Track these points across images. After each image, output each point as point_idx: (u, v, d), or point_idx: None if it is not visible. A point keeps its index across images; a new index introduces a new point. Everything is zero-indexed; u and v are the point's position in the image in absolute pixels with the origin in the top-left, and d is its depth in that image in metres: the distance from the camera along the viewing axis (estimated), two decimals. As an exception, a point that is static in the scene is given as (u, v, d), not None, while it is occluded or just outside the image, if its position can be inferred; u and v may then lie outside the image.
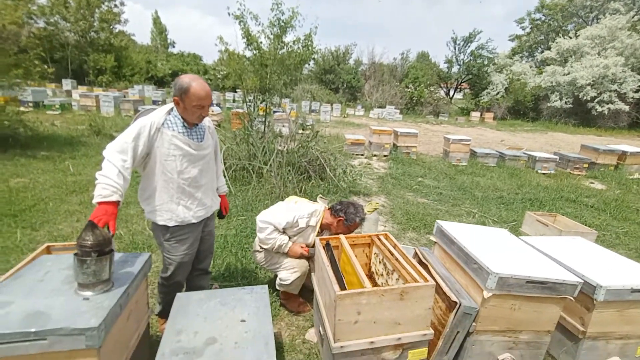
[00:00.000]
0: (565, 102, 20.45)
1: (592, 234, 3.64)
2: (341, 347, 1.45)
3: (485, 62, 27.46)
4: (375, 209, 3.42)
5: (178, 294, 1.80)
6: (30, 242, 3.03)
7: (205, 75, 32.75)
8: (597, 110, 19.41)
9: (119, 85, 24.52)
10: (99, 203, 1.51)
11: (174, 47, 39.50)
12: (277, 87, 5.15)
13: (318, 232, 2.25)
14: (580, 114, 20.48)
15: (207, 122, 1.97)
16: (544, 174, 7.42)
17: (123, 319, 1.45)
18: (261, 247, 2.26)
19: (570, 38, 21.83)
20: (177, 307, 1.70)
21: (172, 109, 1.80)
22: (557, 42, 22.20)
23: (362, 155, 7.88)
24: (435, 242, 2.13)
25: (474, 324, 1.67)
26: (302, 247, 2.21)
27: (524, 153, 8.15)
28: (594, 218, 4.67)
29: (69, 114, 10.84)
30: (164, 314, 2.08)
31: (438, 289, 1.73)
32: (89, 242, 1.27)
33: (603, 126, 19.62)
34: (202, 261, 2.16)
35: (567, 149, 11.57)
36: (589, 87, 19.48)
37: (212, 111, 10.62)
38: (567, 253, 1.91)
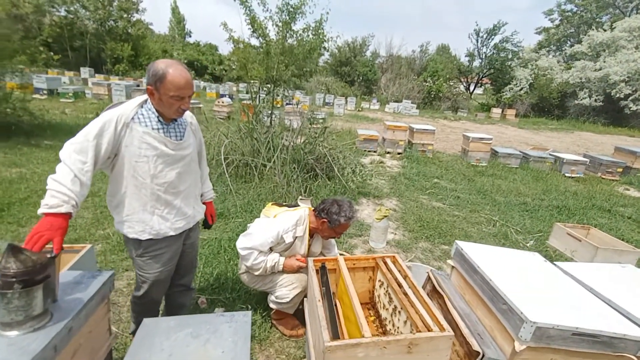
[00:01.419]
0: (595, 100, 19.27)
1: (635, 252, 3.20)
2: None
3: (510, 56, 26.20)
4: (385, 215, 3.08)
5: (145, 320, 1.53)
6: (14, 239, 2.85)
7: (220, 65, 32.69)
8: (631, 109, 18.21)
9: (135, 74, 24.67)
10: (45, 214, 1.24)
11: (190, 36, 39.57)
12: (284, 78, 4.82)
13: (309, 239, 2.00)
14: (611, 113, 19.27)
15: (189, 117, 1.68)
16: (571, 177, 6.86)
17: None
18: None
19: (605, 30, 20.45)
20: (141, 336, 1.43)
21: (145, 101, 1.51)
22: (589, 35, 20.87)
23: (374, 152, 7.49)
24: (453, 267, 1.79)
25: (500, 379, 1.34)
26: (297, 259, 1.95)
27: (550, 154, 7.58)
28: (632, 232, 4.18)
29: (81, 102, 10.85)
30: (134, 332, 1.84)
31: (455, 329, 1.40)
32: (11, 271, 1.00)
33: (637, 126, 18.41)
34: (182, 277, 1.89)
35: (596, 150, 10.81)
36: (622, 84, 18.25)
37: (222, 102, 10.39)
38: (620, 290, 1.54)
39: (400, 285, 1.43)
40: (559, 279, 1.53)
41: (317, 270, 1.56)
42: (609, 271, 1.77)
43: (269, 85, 5.04)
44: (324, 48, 4.72)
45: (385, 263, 1.62)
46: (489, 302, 1.44)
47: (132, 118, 1.44)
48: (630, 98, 18.26)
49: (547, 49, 25.74)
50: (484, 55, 28.67)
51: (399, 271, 1.54)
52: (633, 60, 18.16)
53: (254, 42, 4.84)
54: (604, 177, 6.98)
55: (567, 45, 25.15)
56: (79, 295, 1.29)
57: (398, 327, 1.40)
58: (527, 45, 26.21)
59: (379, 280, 1.63)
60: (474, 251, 1.67)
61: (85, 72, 19.65)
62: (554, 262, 1.78)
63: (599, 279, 1.61)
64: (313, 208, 2.06)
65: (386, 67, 27.44)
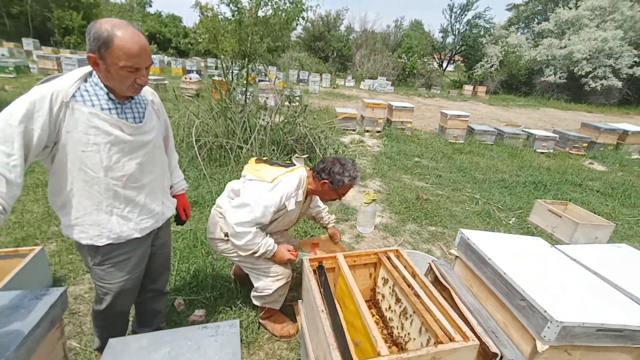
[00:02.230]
0: (560, 77, 20.02)
1: (610, 226, 3.30)
2: None
3: (482, 33, 26.42)
4: (374, 199, 2.93)
5: (111, 341, 1.28)
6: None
7: (185, 38, 30.54)
8: (590, 86, 19.11)
9: (89, 47, 22.41)
10: None
11: (150, 6, 36.39)
12: (259, 52, 4.42)
13: (303, 202, 1.81)
14: (573, 90, 20.16)
15: (150, 94, 1.38)
16: (542, 153, 7.08)
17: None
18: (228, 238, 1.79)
19: (570, 9, 20.98)
20: (107, 360, 1.20)
21: (90, 73, 1.19)
22: (556, 13, 21.34)
23: (353, 130, 7.30)
24: (456, 257, 1.67)
25: (516, 379, 1.25)
26: (289, 250, 1.77)
27: (523, 131, 7.75)
28: (602, 205, 4.35)
29: (25, 78, 9.67)
30: (101, 350, 1.59)
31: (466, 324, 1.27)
32: None
33: (594, 102, 19.44)
34: (154, 281, 1.65)
35: (561, 126, 11.28)
36: (584, 62, 19.01)
37: (190, 78, 9.65)
38: (629, 275, 1.48)
39: (410, 286, 1.27)
40: (570, 268, 1.45)
41: (314, 271, 1.37)
42: (609, 253, 1.72)
43: (242, 60, 4.62)
44: (303, 18, 4.34)
45: (389, 258, 1.46)
46: (502, 297, 1.33)
47: (73, 95, 1.13)
48: (590, 75, 19.10)
49: (517, 25, 26.15)
50: (457, 32, 28.75)
51: (405, 267, 1.39)
52: (594, 38, 18.86)
53: (224, 9, 4.36)
54: (571, 152, 7.25)
55: (535, 22, 25.67)
56: (17, 326, 1.01)
57: (409, 334, 1.26)
58: (498, 22, 26.51)
59: (383, 278, 1.48)
60: (482, 241, 1.54)
61: (28, 43, 17.50)
62: (556, 246, 1.71)
63: (605, 264, 1.54)
64: (310, 168, 1.83)
65: (360, 42, 26.84)
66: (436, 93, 20.33)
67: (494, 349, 1.19)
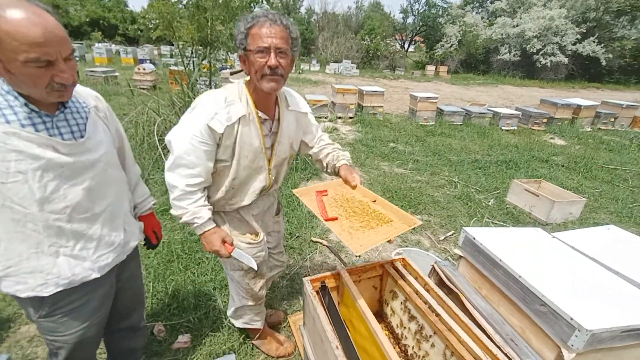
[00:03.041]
0: (514, 55, 20.91)
1: (581, 201, 3.44)
2: None
3: (440, 13, 26.82)
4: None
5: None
6: None
7: (133, 25, 28.16)
8: (541, 63, 20.18)
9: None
10: None
11: (89, -11, 32.95)
12: (221, 39, 4.05)
13: (259, 122, 1.24)
14: (526, 67, 21.20)
15: (92, 98, 1.09)
16: (507, 130, 7.33)
17: None
18: None
19: (520, -13, 21.77)
20: None
21: None
22: (507, -9, 22.06)
23: (325, 118, 7.11)
24: (460, 257, 1.58)
25: (539, 386, 1.19)
26: (224, 240, 1.28)
27: (488, 109, 7.98)
28: (569, 180, 4.57)
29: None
30: None
31: (480, 332, 1.19)
32: None
33: (545, 78, 20.61)
34: (125, 319, 1.41)
35: (519, 102, 11.83)
36: (535, 40, 19.96)
37: (144, 69, 8.88)
38: (629, 261, 1.48)
39: (425, 302, 1.16)
40: (578, 262, 1.41)
41: (316, 292, 1.21)
42: (604, 238, 1.72)
43: (202, 48, 4.22)
44: (267, 0, 3.99)
45: (396, 269, 1.33)
46: (518, 301, 1.26)
47: None
48: (541, 52, 20.15)
49: (472, 5, 26.81)
50: (416, 12, 28.97)
51: (417, 279, 1.27)
52: (542, 17, 19.80)
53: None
54: (533, 128, 7.59)
55: (489, 1, 26.44)
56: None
57: (428, 354, 1.15)
58: (454, 2, 27.01)
59: (391, 291, 1.36)
60: (489, 240, 1.46)
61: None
62: (554, 236, 1.68)
63: (607, 253, 1.53)
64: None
65: (322, 25, 26.25)
66: (400, 74, 20.50)
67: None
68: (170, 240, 2.64)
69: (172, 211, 1.26)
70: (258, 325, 1.69)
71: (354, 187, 1.37)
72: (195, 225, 1.24)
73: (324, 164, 1.52)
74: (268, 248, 1.65)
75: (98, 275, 1.09)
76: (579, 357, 1.11)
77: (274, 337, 1.78)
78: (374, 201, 1.43)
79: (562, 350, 1.09)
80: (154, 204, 1.39)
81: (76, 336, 1.11)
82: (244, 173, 1.28)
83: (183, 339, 1.86)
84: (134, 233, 1.24)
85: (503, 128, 7.38)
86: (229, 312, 1.71)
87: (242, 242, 1.43)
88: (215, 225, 1.29)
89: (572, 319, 1.05)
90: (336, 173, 1.46)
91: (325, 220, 1.26)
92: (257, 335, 1.75)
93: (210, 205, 1.30)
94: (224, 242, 1.27)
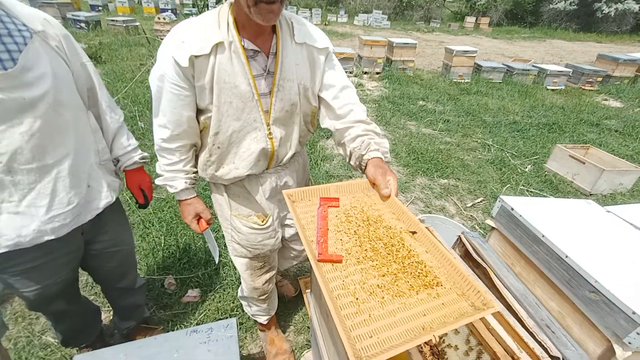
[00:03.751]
0: (570, 3, 18.38)
1: (636, 171, 3.03)
2: None
3: (487, -48, 23.56)
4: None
5: (76, 358, 1.04)
6: None
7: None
8: (603, 12, 17.64)
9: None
10: None
11: None
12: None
13: (244, 53, 0.92)
14: (583, 17, 18.68)
15: (39, 22, 0.88)
16: (553, 90, 6.58)
17: None
18: None
19: None
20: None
21: None
22: None
23: (350, 73, 6.65)
24: (493, 228, 1.38)
25: (575, 380, 1.04)
26: (198, 215, 1.13)
27: (533, 66, 7.14)
28: (622, 147, 4.05)
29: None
30: (71, 342, 1.36)
31: (511, 317, 1.03)
32: None
33: (605, 30, 18.16)
34: (120, 280, 1.35)
35: (570, 59, 10.56)
36: (599, -16, 17.32)
37: (164, 18, 8.53)
38: None
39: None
40: (637, 241, 1.17)
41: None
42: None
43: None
44: None
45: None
46: (561, 284, 1.07)
47: None
48: (604, 0, 17.56)
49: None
50: (459, -48, 25.62)
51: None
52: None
53: None
54: (583, 87, 6.76)
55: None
56: None
57: (449, 342, 1.01)
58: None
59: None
60: (531, 212, 1.24)
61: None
62: (609, 210, 1.43)
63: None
64: None
65: (352, -31, 23.96)
66: (436, 27, 18.75)
67: (554, 351, 0.95)
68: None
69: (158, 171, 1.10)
70: (261, 320, 1.52)
71: (385, 199, 0.92)
72: (171, 191, 1.09)
73: (348, 151, 1.05)
74: (285, 236, 1.37)
75: (53, 237, 0.97)
76: (634, 355, 0.93)
77: (276, 343, 1.56)
78: (414, 233, 0.83)
79: (615, 345, 0.91)
80: (141, 158, 1.22)
81: (35, 294, 1.05)
82: (229, 127, 0.97)
83: (193, 293, 1.85)
84: (102, 191, 1.09)
85: (549, 87, 6.62)
86: (238, 293, 1.54)
87: (244, 227, 1.18)
88: (193, 196, 1.11)
89: (634, 312, 0.86)
90: (362, 169, 1.01)
91: (319, 260, 0.73)
92: (262, 330, 1.60)
93: (196, 172, 1.11)
94: (198, 217, 1.10)
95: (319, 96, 1.09)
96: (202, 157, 1.07)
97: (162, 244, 2.10)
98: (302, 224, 0.82)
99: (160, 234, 2.17)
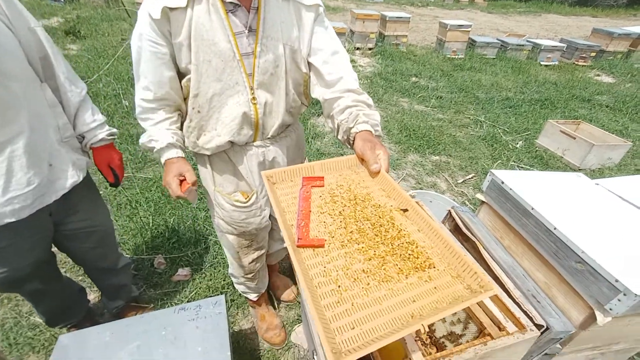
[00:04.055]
0: (567, -24, 17.94)
1: (624, 145, 3.06)
2: None
3: None
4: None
5: (60, 339, 1.02)
6: None
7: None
8: (599, -15, 17.30)
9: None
10: None
11: None
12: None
13: (224, 8, 0.86)
14: (579, -9, 18.31)
15: None
16: (546, 65, 6.51)
17: None
18: None
19: None
20: (59, 366, 0.95)
21: None
22: None
23: (342, 48, 6.45)
24: (482, 202, 1.38)
25: (558, 346, 1.07)
26: (181, 174, 0.95)
27: (527, 41, 7.03)
28: (612, 122, 4.07)
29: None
30: (57, 322, 1.35)
31: (498, 288, 1.04)
32: None
33: (600, 5, 17.90)
34: (100, 261, 1.32)
35: (565, 34, 10.41)
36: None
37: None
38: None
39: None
40: (627, 215, 1.18)
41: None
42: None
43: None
44: None
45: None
46: (548, 256, 1.07)
47: None
48: (601, -28, 17.17)
49: None
50: None
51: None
52: None
53: None
54: (577, 63, 6.70)
55: None
56: None
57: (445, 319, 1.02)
58: None
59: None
60: (520, 185, 1.23)
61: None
62: (598, 183, 1.43)
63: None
64: None
65: (344, -62, 22.83)
66: (430, 1, 18.20)
67: (539, 320, 0.97)
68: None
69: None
70: (252, 297, 1.50)
71: (374, 175, 0.87)
72: (154, 150, 0.96)
73: (335, 124, 0.98)
74: (273, 215, 1.26)
75: (14, 219, 0.92)
76: (614, 320, 0.95)
77: (266, 318, 1.55)
78: (405, 210, 0.78)
79: (597, 312, 0.93)
80: (109, 134, 1.15)
81: (4, 276, 1.02)
82: (209, 89, 0.91)
83: (183, 272, 1.84)
84: (67, 170, 1.03)
85: (542, 63, 6.55)
86: (228, 270, 1.49)
87: (227, 204, 1.12)
88: (180, 155, 0.97)
89: (617, 280, 0.87)
90: (351, 144, 0.94)
91: (298, 245, 0.68)
92: (253, 306, 1.60)
93: (180, 137, 1.02)
94: (181, 177, 0.93)
95: (308, 62, 1.02)
96: (185, 124, 1.01)
97: (151, 224, 2.06)
98: (281, 208, 0.77)
99: (148, 214, 2.14)
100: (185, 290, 1.74)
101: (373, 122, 0.96)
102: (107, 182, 1.22)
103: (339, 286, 0.61)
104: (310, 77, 1.06)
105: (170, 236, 2.02)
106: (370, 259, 0.66)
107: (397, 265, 0.65)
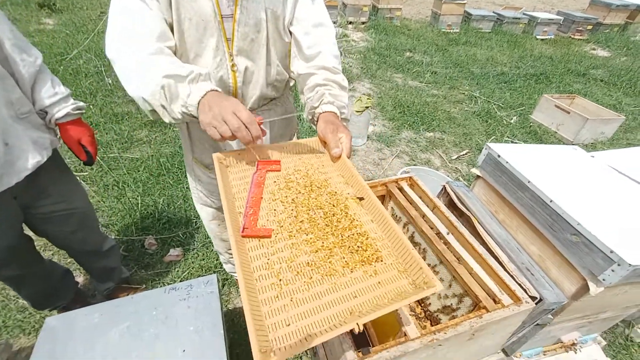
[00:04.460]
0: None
1: (618, 119, 3.05)
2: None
3: None
4: (367, 107, 2.48)
5: (47, 321, 1.00)
6: None
7: None
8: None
9: None
10: None
11: None
12: None
13: None
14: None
15: None
16: (542, 39, 6.40)
17: None
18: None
19: None
20: (45, 349, 0.93)
21: None
22: None
23: (334, 23, 6.22)
24: (477, 177, 1.35)
25: (550, 316, 1.08)
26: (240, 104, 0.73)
27: (524, 14, 6.85)
28: (606, 96, 4.05)
29: None
30: (44, 305, 1.33)
31: (494, 261, 1.04)
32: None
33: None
34: (82, 244, 1.28)
35: (561, 7, 10.19)
36: None
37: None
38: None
39: (433, 227, 0.97)
40: (622, 187, 1.16)
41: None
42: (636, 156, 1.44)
43: None
44: None
45: (401, 190, 1.12)
46: (543, 229, 1.06)
47: None
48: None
49: None
50: None
51: (424, 200, 1.07)
52: None
53: None
54: (573, 36, 6.59)
55: None
56: None
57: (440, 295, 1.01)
58: None
59: (394, 216, 1.17)
60: (517, 158, 1.20)
61: None
62: (593, 155, 1.41)
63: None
64: None
65: None
66: (426, -28, 17.55)
67: (532, 292, 0.97)
68: (159, 154, 2.46)
69: (140, 97, 0.75)
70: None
71: (335, 160, 0.84)
72: (190, 77, 0.74)
73: (304, 102, 0.95)
74: None
75: None
76: (605, 290, 0.96)
77: None
78: (361, 199, 0.75)
79: (590, 283, 0.93)
80: (76, 108, 1.05)
81: None
82: (192, 48, 0.84)
83: (175, 253, 1.81)
84: (26, 149, 0.94)
85: (538, 37, 6.42)
86: (214, 246, 1.52)
87: (203, 175, 1.09)
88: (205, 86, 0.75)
89: (612, 251, 0.86)
90: (315, 125, 0.90)
91: (243, 235, 0.64)
92: None
93: None
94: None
95: (290, 31, 0.95)
96: None
97: (139, 205, 2.01)
98: (231, 193, 0.71)
99: (136, 195, 2.08)
100: (177, 271, 1.72)
101: (339, 103, 0.90)
102: (80, 160, 1.13)
103: (280, 280, 0.58)
104: (292, 48, 0.98)
105: (160, 217, 1.98)
106: (317, 251, 0.63)
107: (344, 258, 0.63)
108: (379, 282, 0.59)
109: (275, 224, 0.67)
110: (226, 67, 0.88)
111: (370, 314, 0.51)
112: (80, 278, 1.63)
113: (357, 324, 0.50)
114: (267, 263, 0.60)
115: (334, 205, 0.72)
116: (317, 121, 0.88)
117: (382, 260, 0.63)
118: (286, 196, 0.73)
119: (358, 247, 0.64)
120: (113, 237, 1.84)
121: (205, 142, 1.06)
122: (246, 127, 0.69)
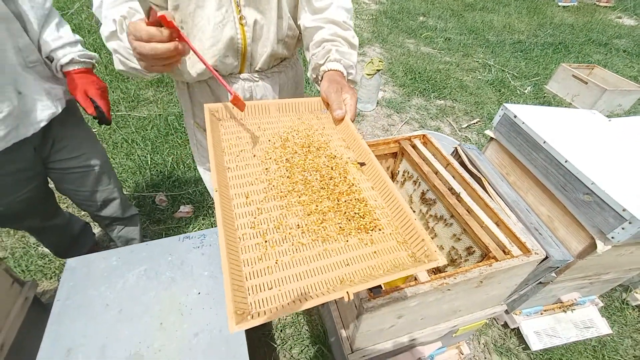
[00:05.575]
0: None
1: (638, 91, 2.95)
2: (362, 356, 0.86)
3: None
4: (378, 70, 2.41)
5: (68, 262, 1.05)
6: None
7: None
8: None
9: None
10: None
11: None
12: None
13: None
14: None
15: None
16: (564, 6, 6.04)
17: None
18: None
19: None
20: (67, 288, 0.97)
21: None
22: None
23: (345, -18, 5.89)
24: (491, 139, 1.34)
25: (553, 274, 1.11)
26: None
27: (548, -23, 6.43)
28: (628, 68, 3.89)
29: None
30: (63, 255, 1.38)
31: (500, 223, 1.05)
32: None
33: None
34: (102, 208, 1.28)
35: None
36: None
37: None
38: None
39: (453, 192, 0.97)
40: (636, 150, 1.15)
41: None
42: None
43: None
44: None
45: (415, 147, 1.12)
46: (555, 189, 1.06)
47: None
48: None
49: None
50: None
51: (439, 161, 1.07)
52: None
53: None
54: (598, 3, 6.22)
55: None
56: None
57: (437, 235, 1.03)
58: None
59: (405, 172, 1.17)
60: (533, 119, 1.18)
61: None
62: (612, 120, 1.38)
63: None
64: None
65: None
66: None
67: (538, 250, 0.99)
68: (166, 113, 2.44)
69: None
70: None
71: (337, 122, 0.78)
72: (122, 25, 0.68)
73: (308, 59, 0.88)
74: None
75: None
76: (612, 249, 0.97)
77: None
78: (362, 164, 0.70)
79: (597, 241, 0.95)
80: (83, 55, 0.97)
81: None
82: (191, 3, 0.75)
83: (185, 209, 1.85)
84: (40, 100, 0.91)
85: (560, 4, 6.07)
86: None
87: (204, 139, 1.04)
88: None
89: (624, 210, 0.87)
90: (319, 84, 0.84)
91: (231, 101, 0.65)
92: None
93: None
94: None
95: None
96: None
97: (149, 162, 2.03)
98: (220, 147, 0.66)
99: (146, 152, 2.09)
100: (188, 227, 1.77)
101: (347, 62, 0.82)
102: (90, 116, 1.03)
103: (266, 241, 0.54)
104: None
105: (170, 175, 2.00)
106: (309, 214, 0.58)
107: (338, 223, 0.58)
108: (375, 252, 0.55)
109: (266, 183, 0.63)
110: (233, 20, 0.79)
111: (362, 283, 0.47)
112: (95, 229, 1.67)
113: (347, 292, 0.45)
114: (253, 222, 0.56)
115: (332, 169, 0.67)
116: (321, 80, 0.82)
117: (380, 229, 0.58)
118: (281, 155, 0.68)
119: (355, 213, 0.59)
120: (125, 192, 1.87)
121: (206, 95, 1.01)
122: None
